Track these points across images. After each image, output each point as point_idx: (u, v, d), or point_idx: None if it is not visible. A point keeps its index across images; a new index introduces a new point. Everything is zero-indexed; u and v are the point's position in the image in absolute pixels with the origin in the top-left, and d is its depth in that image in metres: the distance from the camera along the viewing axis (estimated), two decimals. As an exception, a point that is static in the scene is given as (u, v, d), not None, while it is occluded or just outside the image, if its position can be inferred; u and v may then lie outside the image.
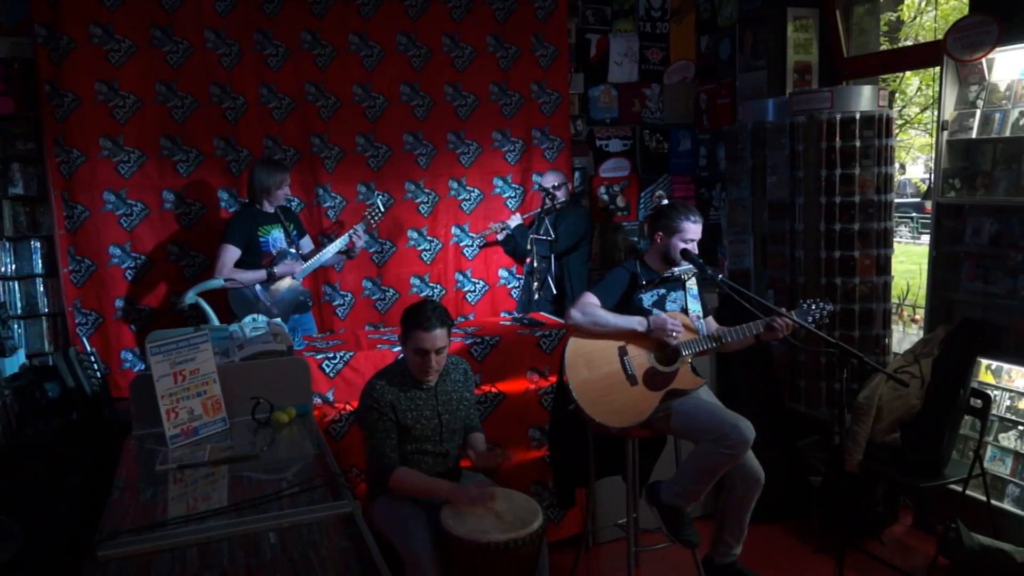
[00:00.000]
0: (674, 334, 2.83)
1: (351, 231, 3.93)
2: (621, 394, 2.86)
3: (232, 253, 3.70)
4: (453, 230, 4.64)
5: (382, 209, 4.08)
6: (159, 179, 4.02)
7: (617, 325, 2.86)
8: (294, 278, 3.85)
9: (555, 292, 4.30)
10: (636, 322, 2.86)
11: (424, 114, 4.47)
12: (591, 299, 2.90)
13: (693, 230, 2.93)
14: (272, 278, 3.76)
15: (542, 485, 3.48)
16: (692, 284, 3.04)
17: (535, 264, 4.22)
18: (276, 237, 3.82)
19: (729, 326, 3.07)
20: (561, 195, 4.35)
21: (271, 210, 3.83)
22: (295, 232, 3.93)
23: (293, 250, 3.87)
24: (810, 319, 2.88)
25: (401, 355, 2.81)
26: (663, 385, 2.87)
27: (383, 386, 2.64)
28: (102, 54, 3.85)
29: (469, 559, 2.39)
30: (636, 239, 5.09)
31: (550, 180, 4.38)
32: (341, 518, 1.87)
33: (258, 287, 3.75)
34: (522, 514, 2.48)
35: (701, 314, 3.02)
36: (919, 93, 13.44)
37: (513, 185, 4.72)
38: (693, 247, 2.95)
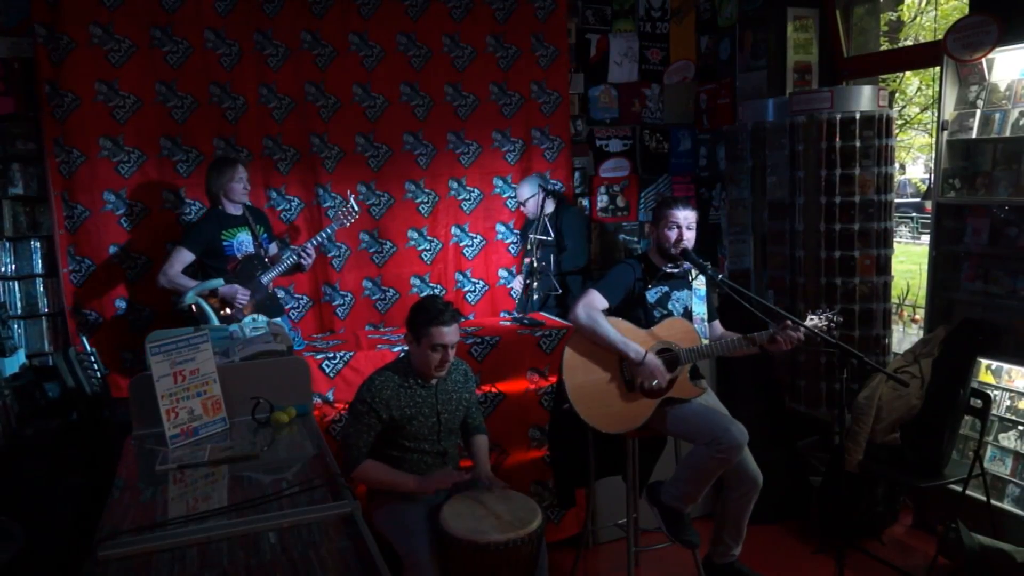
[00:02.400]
0: (654, 383, 2.82)
1: (301, 247, 3.81)
2: (617, 400, 2.86)
3: (182, 256, 3.61)
4: (453, 230, 4.64)
5: (356, 209, 4.00)
6: (159, 179, 4.02)
7: (613, 342, 2.83)
8: (239, 303, 3.65)
9: (559, 291, 4.29)
10: (632, 350, 2.82)
11: (424, 114, 4.47)
12: (597, 300, 2.88)
13: (676, 215, 2.92)
14: (214, 295, 3.61)
15: (542, 485, 3.48)
16: (699, 284, 3.01)
17: (535, 264, 4.22)
18: (242, 240, 3.71)
19: (730, 330, 3.06)
20: (532, 207, 4.28)
21: (237, 212, 3.73)
22: (264, 235, 3.83)
23: (262, 254, 3.77)
24: (817, 330, 2.84)
25: (402, 354, 2.81)
26: (660, 393, 2.87)
27: (383, 381, 2.65)
28: (102, 54, 3.85)
29: (468, 559, 2.39)
30: (636, 239, 5.09)
31: (522, 194, 4.29)
32: (341, 518, 1.87)
33: (222, 291, 3.63)
34: (521, 514, 2.49)
35: (705, 317, 3.01)
36: (919, 93, 13.44)
37: (513, 185, 4.72)
38: (686, 234, 2.93)
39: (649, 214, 5.03)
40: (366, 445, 2.63)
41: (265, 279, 3.75)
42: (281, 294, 4.22)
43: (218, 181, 3.69)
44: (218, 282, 3.67)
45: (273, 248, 3.93)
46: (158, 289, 3.67)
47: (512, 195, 4.71)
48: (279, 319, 3.89)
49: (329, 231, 3.95)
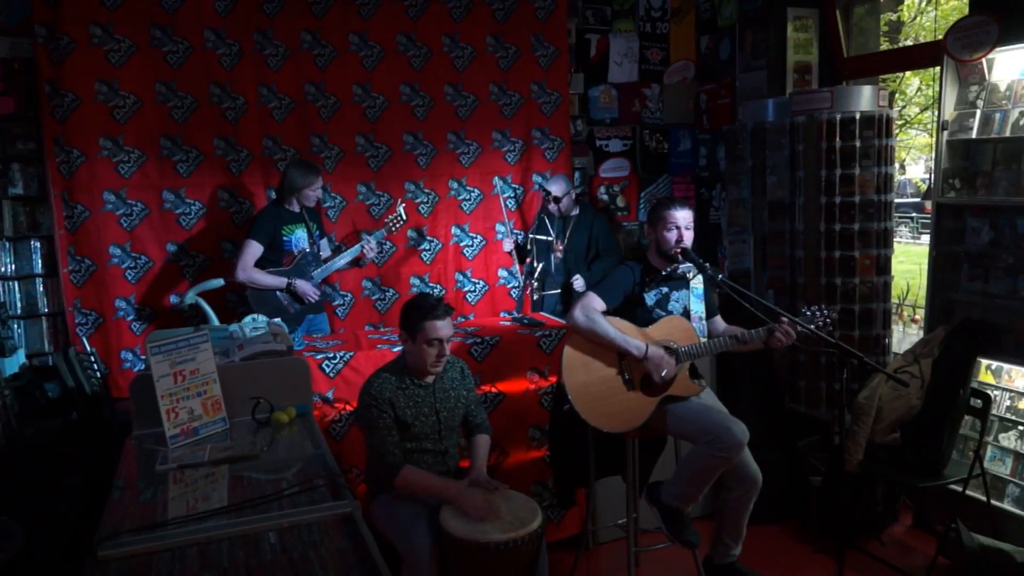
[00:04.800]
0: (663, 374, 2.82)
1: (363, 242, 3.93)
2: (617, 398, 2.85)
3: (255, 249, 3.70)
4: (453, 230, 4.64)
5: (404, 217, 4.10)
6: (159, 179, 4.02)
7: (614, 341, 2.83)
8: (311, 300, 3.83)
9: (559, 291, 4.30)
10: (634, 346, 2.82)
11: (424, 114, 4.47)
12: (595, 302, 2.88)
13: (673, 216, 2.91)
14: (289, 289, 3.76)
15: (542, 485, 3.48)
16: (697, 283, 3.02)
17: (535, 264, 4.23)
18: (299, 237, 3.82)
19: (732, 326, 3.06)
20: (566, 204, 4.32)
21: (296, 209, 3.83)
22: (317, 232, 3.93)
23: (315, 251, 3.88)
24: (813, 327, 2.86)
25: (400, 353, 2.81)
26: (660, 391, 2.87)
27: (382, 383, 2.65)
28: (102, 54, 3.85)
29: (468, 559, 2.39)
30: (636, 239, 5.09)
31: (556, 188, 4.32)
32: (341, 518, 1.87)
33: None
34: (521, 514, 2.49)
35: (703, 315, 3.01)
36: (919, 93, 13.45)
37: (513, 185, 4.72)
38: (685, 234, 2.93)
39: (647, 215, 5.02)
40: (397, 447, 2.61)
41: (317, 275, 3.84)
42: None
43: (299, 182, 3.76)
44: (218, 282, 3.68)
45: (323, 245, 3.99)
46: (237, 281, 3.72)
47: (512, 195, 4.71)
48: (321, 315, 4.00)
49: (380, 235, 4.03)
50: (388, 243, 4.48)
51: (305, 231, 3.85)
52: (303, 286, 3.77)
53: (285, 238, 3.78)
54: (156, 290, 4.06)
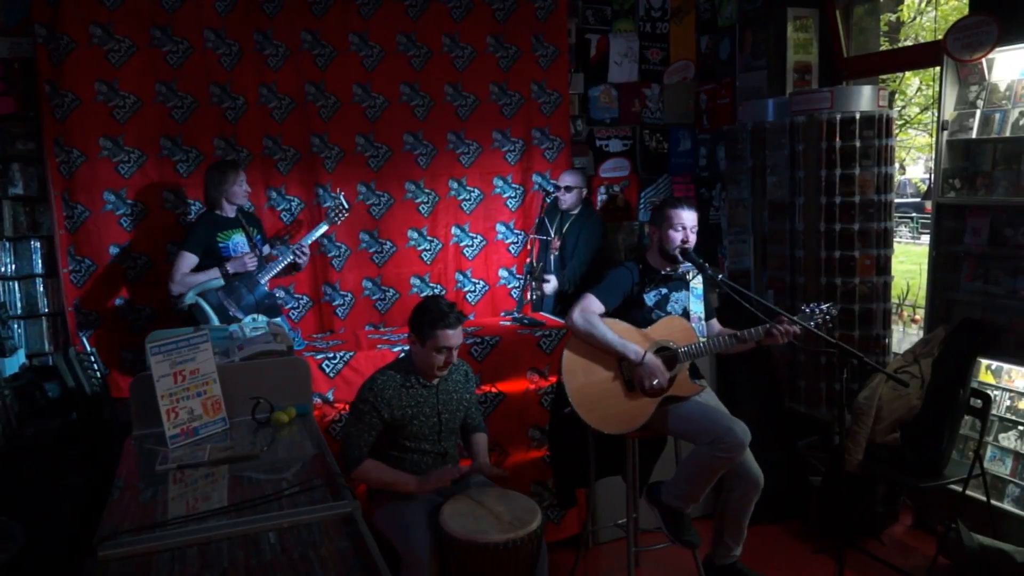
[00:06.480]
0: (655, 383, 2.82)
1: (296, 246, 3.82)
2: (617, 400, 2.85)
3: (187, 260, 3.63)
4: (453, 230, 4.64)
5: (347, 206, 4.02)
6: (159, 179, 4.02)
7: (611, 344, 2.83)
8: (250, 268, 3.70)
9: (558, 289, 4.29)
10: (631, 351, 2.82)
11: (424, 114, 4.47)
12: (594, 304, 2.88)
13: (681, 216, 2.91)
14: (227, 275, 3.65)
15: (542, 485, 3.48)
16: (697, 284, 3.02)
17: (535, 263, 4.23)
18: (237, 241, 3.74)
19: (730, 327, 3.06)
20: (571, 199, 4.33)
21: (231, 214, 3.76)
22: (258, 237, 3.86)
23: (257, 255, 3.79)
24: (812, 324, 2.87)
25: (402, 353, 2.82)
26: (660, 392, 2.87)
27: (385, 381, 2.66)
28: (102, 54, 3.85)
29: (468, 559, 2.39)
30: (636, 238, 5.08)
31: (569, 179, 4.34)
32: (341, 518, 1.87)
33: (221, 293, 3.66)
34: (521, 514, 2.49)
35: (703, 316, 3.01)
36: (919, 93, 13.45)
37: (513, 185, 4.72)
38: (690, 236, 2.93)
39: (650, 214, 5.02)
40: (367, 445, 2.63)
41: (262, 279, 3.76)
42: (281, 294, 4.23)
43: (220, 186, 3.70)
44: (218, 282, 3.67)
45: (267, 249, 3.93)
46: (173, 296, 3.65)
47: (512, 195, 4.71)
48: (278, 319, 3.90)
49: (322, 228, 3.95)
50: (388, 243, 4.48)
51: (243, 236, 3.76)
52: (234, 264, 3.64)
53: (221, 244, 3.69)
54: (156, 290, 4.06)
